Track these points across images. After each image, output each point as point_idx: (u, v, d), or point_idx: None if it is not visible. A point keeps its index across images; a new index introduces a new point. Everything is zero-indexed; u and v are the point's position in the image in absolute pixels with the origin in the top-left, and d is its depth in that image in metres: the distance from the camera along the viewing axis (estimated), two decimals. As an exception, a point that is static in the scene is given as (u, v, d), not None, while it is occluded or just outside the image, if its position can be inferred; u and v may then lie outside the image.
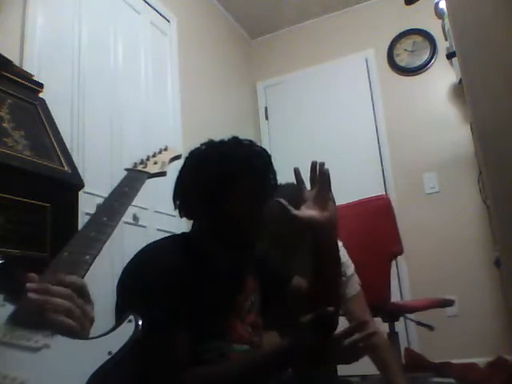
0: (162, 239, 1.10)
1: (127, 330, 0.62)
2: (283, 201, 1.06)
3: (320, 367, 0.96)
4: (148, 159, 1.08)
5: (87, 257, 0.71)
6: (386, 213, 2.00)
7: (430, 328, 2.12)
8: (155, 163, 1.08)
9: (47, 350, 0.58)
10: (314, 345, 0.87)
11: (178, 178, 1.11)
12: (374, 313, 2.04)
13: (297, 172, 1.09)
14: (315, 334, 0.85)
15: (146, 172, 1.03)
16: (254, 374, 0.94)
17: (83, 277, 0.69)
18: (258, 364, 0.94)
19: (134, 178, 0.99)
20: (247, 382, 0.94)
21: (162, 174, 1.09)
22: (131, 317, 0.63)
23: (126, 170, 1.05)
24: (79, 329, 0.61)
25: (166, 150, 1.15)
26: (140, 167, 1.05)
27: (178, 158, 1.17)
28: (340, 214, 2.17)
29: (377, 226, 2.00)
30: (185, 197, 1.09)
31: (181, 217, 1.10)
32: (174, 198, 1.10)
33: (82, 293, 0.66)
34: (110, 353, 0.58)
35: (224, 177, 1.04)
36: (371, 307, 1.99)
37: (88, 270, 0.70)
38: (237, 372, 0.93)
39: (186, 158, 1.12)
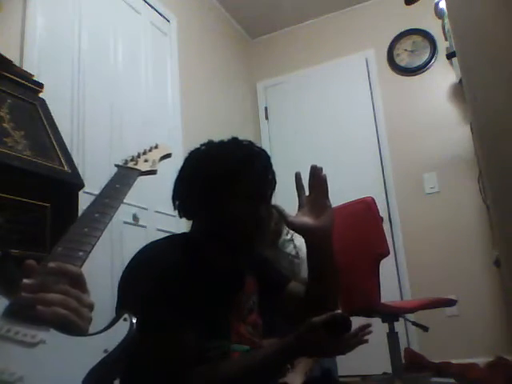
0: (161, 239, 1.10)
1: (122, 328, 0.62)
2: (280, 207, 1.05)
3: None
4: (139, 156, 1.06)
5: (81, 253, 0.71)
6: (369, 215, 2.00)
7: (425, 329, 2.11)
8: (146, 161, 1.05)
9: (44, 346, 0.58)
10: (321, 343, 0.89)
11: (177, 179, 1.11)
12: (367, 314, 2.04)
13: (297, 177, 1.09)
14: (330, 335, 0.87)
15: (138, 169, 1.01)
16: (259, 372, 0.94)
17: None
18: (263, 362, 0.95)
19: (125, 175, 0.98)
20: (252, 379, 0.94)
21: (153, 172, 1.07)
22: (126, 315, 0.64)
23: (117, 166, 1.03)
24: (76, 318, 0.62)
25: (156, 147, 1.13)
26: (131, 164, 1.03)
27: (168, 156, 1.15)
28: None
29: (361, 229, 2.00)
30: (184, 197, 1.09)
31: (180, 217, 1.10)
32: (174, 199, 1.10)
33: (79, 281, 0.66)
34: (105, 350, 0.59)
35: (223, 178, 1.04)
36: (363, 309, 2.00)
37: (82, 265, 0.70)
38: (243, 370, 0.93)
39: (186, 159, 1.12)
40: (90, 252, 0.72)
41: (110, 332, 0.62)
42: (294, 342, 0.91)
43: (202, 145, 1.12)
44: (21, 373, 0.54)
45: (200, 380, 0.90)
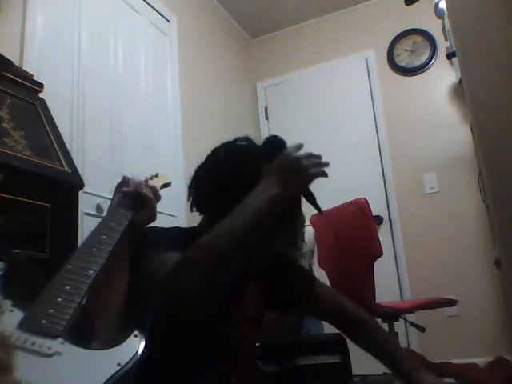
0: (168, 228, 1.07)
1: (134, 343, 0.67)
2: None
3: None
4: (140, 184, 1.10)
5: (90, 271, 0.76)
6: (362, 216, 1.98)
7: (421, 329, 2.11)
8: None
9: (59, 357, 0.61)
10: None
11: (197, 172, 1.09)
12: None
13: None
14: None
15: None
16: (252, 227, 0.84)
17: (87, 291, 0.73)
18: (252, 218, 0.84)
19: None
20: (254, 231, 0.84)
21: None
22: (136, 332, 0.68)
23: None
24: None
25: (156, 176, 1.17)
26: None
27: (168, 185, 1.19)
28: (318, 221, 2.17)
29: (354, 230, 1.99)
30: (201, 191, 1.06)
31: (191, 210, 1.07)
32: (190, 190, 1.07)
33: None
34: (119, 364, 0.62)
35: (243, 179, 1.02)
36: None
37: (92, 283, 0.75)
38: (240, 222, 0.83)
39: (209, 155, 1.09)
40: (98, 271, 0.77)
41: (122, 347, 0.66)
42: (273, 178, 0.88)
43: (224, 143, 1.09)
44: (37, 383, 0.56)
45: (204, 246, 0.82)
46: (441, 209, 3.35)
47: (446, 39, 3.35)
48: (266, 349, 1.28)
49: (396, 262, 3.38)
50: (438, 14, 3.32)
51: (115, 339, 0.66)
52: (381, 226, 3.42)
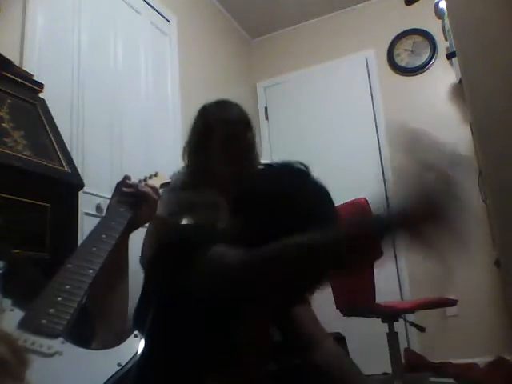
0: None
1: (134, 343, 0.67)
2: None
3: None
4: (140, 183, 1.11)
5: (90, 271, 0.76)
6: (362, 216, 1.97)
7: (421, 329, 2.11)
8: None
9: (60, 357, 0.61)
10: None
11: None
12: (364, 314, 2.04)
13: None
14: None
15: None
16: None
17: (87, 290, 0.73)
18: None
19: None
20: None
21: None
22: (136, 332, 0.68)
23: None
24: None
25: (155, 175, 1.18)
26: None
27: (167, 184, 1.19)
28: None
29: None
30: None
31: None
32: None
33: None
34: (119, 364, 0.62)
35: None
36: (358, 310, 2.00)
37: (91, 282, 0.75)
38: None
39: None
40: (98, 270, 0.77)
41: (122, 347, 0.66)
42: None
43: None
44: (37, 382, 0.55)
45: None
46: (441, 209, 3.34)
47: (446, 39, 3.35)
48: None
49: (396, 262, 3.38)
50: (438, 14, 3.32)
51: (115, 339, 0.66)
52: (381, 226, 3.42)
